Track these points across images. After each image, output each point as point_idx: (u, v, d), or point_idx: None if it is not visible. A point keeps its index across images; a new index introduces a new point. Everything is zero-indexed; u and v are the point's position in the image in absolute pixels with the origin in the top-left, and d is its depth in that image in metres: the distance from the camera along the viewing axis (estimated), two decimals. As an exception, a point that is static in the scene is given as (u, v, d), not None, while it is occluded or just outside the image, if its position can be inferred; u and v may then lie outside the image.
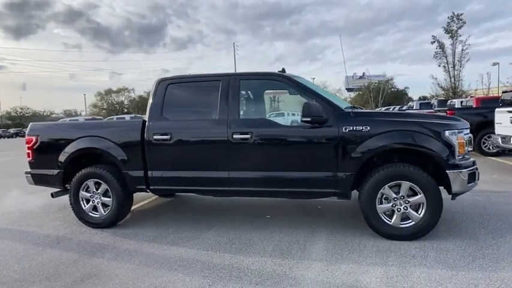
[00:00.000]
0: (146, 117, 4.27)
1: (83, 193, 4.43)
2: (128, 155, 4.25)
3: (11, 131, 52.03)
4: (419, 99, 35.94)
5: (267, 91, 4.96)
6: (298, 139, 3.82)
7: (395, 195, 3.57)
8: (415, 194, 3.54)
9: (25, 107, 70.23)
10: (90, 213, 4.44)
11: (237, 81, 4.07)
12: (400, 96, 53.69)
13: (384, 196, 3.61)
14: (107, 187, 4.31)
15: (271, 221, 4.39)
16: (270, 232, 4.01)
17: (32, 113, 67.98)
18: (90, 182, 4.37)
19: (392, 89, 54.50)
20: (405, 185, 3.53)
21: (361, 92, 54.41)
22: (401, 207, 3.56)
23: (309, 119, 3.59)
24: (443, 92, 34.23)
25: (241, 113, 4.12)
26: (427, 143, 3.51)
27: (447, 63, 33.52)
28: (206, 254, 3.47)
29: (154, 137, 4.15)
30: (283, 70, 4.24)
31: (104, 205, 4.39)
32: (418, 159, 3.66)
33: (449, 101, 17.45)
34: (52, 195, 4.64)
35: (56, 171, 4.51)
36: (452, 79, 33.46)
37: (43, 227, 4.54)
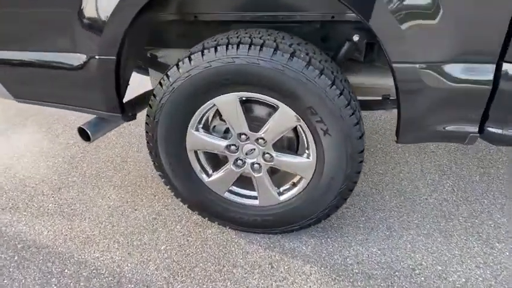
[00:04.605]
0: None
1: (201, 138, 1.25)
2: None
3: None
4: None
5: None
6: None
7: None
8: None
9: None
10: (231, 195, 1.37)
11: None
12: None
13: None
14: (303, 122, 1.11)
15: None
16: None
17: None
18: (231, 107, 1.13)
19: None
20: None
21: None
22: None
23: None
24: None
25: None
26: None
27: None
28: None
29: None
30: None
31: (276, 173, 1.29)
32: None
33: None
34: (85, 135, 1.41)
35: (84, 57, 1.20)
36: None
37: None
